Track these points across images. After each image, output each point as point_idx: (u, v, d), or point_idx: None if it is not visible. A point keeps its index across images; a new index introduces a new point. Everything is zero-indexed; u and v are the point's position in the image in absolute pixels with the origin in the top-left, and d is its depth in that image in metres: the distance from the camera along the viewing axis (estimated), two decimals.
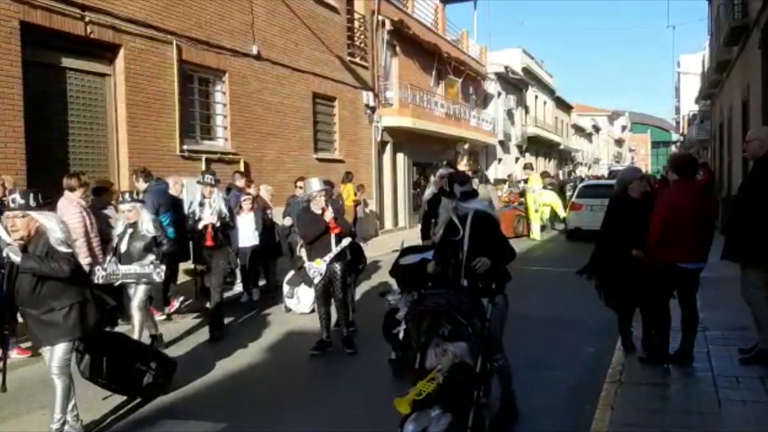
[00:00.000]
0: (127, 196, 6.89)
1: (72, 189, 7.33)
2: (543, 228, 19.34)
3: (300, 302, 9.11)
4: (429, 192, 8.49)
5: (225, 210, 7.92)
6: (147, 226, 6.77)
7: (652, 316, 6.13)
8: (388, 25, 19.90)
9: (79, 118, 10.06)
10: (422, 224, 8.34)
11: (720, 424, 4.60)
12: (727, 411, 4.79)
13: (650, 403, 5.03)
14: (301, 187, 10.29)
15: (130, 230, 6.78)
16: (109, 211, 8.13)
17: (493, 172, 31.38)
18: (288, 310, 9.21)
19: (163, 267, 6.77)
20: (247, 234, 9.58)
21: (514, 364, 6.44)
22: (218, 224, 7.74)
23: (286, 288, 9.31)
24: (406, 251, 6.52)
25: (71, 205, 7.25)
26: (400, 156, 21.57)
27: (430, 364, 4.27)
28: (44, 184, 8.50)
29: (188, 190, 9.83)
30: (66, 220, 7.17)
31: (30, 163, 8.81)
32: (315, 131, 16.53)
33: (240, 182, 11.27)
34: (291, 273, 9.33)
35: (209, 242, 7.64)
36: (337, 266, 7.07)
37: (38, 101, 9.23)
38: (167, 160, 11.34)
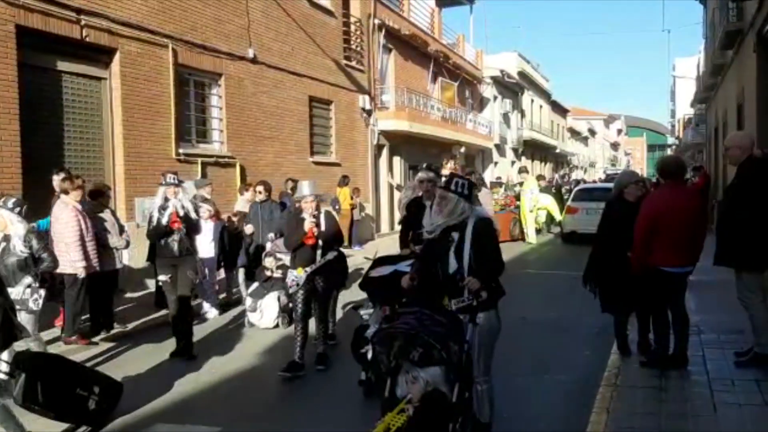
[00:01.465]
0: (2, 201, 5.88)
1: (65, 192, 7.31)
2: (539, 231, 19.37)
3: (263, 316, 8.52)
4: (407, 196, 7.46)
5: (192, 211, 7.35)
6: (16, 244, 5.74)
7: (650, 319, 6.17)
8: (384, 29, 19.93)
9: (75, 122, 10.04)
10: (401, 231, 7.49)
11: (715, 427, 4.60)
12: (722, 414, 4.80)
13: (646, 406, 5.02)
14: (260, 192, 9.82)
15: (2, 244, 5.79)
16: (105, 214, 8.12)
17: (490, 175, 31.41)
18: (251, 324, 8.59)
19: (42, 292, 5.77)
20: (204, 244, 8.83)
21: (511, 367, 6.48)
22: (182, 214, 7.11)
23: (248, 301, 8.71)
24: (378, 262, 6.06)
25: (67, 209, 7.24)
26: (397, 159, 21.59)
27: (400, 393, 3.82)
28: (39, 188, 8.56)
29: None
30: (60, 223, 7.23)
31: (25, 166, 8.79)
32: (311, 134, 16.53)
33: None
34: (255, 285, 8.90)
35: (174, 224, 7.00)
36: (320, 280, 6.52)
37: (34, 105, 9.22)
38: (163, 163, 11.32)
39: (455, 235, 4.26)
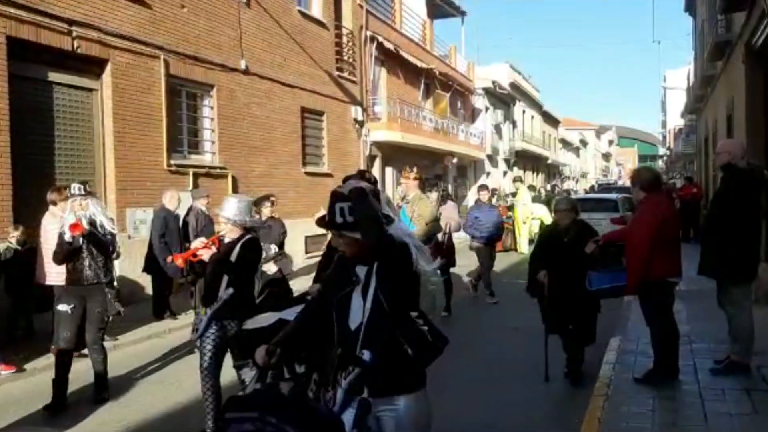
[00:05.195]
0: None
1: (54, 203, 7.29)
2: (531, 241, 19.39)
3: None
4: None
5: (109, 227, 6.16)
6: None
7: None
8: (375, 41, 20.02)
9: (66, 133, 10.01)
10: (319, 262, 6.00)
11: None
12: (713, 423, 4.80)
13: (637, 415, 5.02)
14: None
15: None
16: None
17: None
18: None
19: None
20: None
21: (504, 377, 6.47)
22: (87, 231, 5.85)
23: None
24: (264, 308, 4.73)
25: (54, 219, 7.20)
26: (389, 170, 21.64)
27: None
28: (30, 199, 8.52)
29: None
30: (49, 234, 7.18)
31: (15, 177, 8.75)
32: (303, 145, 16.54)
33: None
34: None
35: (75, 229, 5.76)
36: (232, 326, 4.89)
37: (25, 116, 9.18)
38: (154, 174, 11.31)
39: (361, 272, 2.82)
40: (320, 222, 2.97)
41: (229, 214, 4.96)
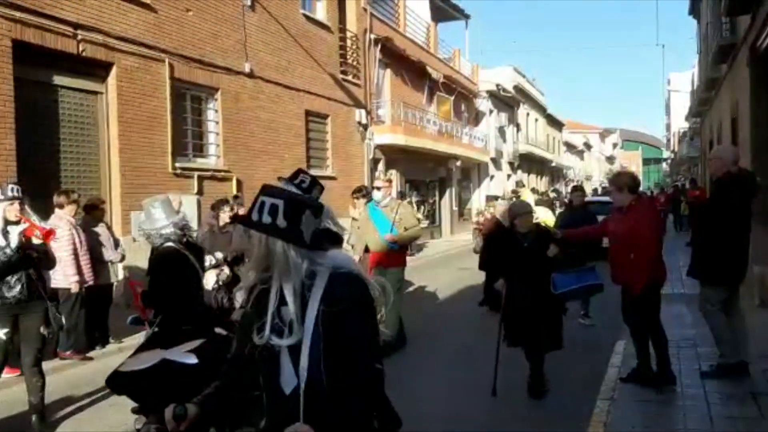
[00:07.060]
0: None
1: (61, 206, 7.32)
2: None
3: None
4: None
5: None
6: None
7: (650, 338, 6.15)
8: (379, 44, 20.05)
9: (71, 136, 10.05)
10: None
11: None
12: (719, 427, 4.78)
13: (643, 420, 5.02)
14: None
15: None
16: (100, 228, 8.10)
17: (486, 189, 31.48)
18: None
19: None
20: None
21: (509, 381, 6.45)
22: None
23: None
24: (150, 342, 3.87)
25: (61, 223, 7.23)
26: (393, 173, 21.63)
27: None
28: (35, 202, 8.53)
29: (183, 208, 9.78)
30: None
31: (21, 180, 8.77)
32: (308, 149, 16.58)
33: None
34: None
35: (51, 235, 5.19)
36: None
37: (30, 119, 9.23)
38: (159, 177, 11.34)
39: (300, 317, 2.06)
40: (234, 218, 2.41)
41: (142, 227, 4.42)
